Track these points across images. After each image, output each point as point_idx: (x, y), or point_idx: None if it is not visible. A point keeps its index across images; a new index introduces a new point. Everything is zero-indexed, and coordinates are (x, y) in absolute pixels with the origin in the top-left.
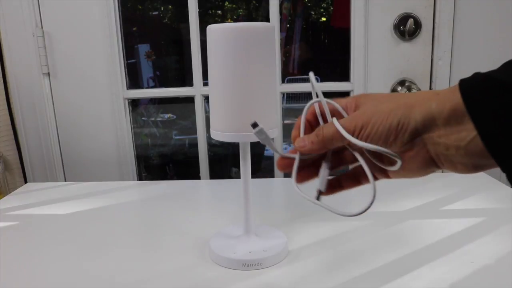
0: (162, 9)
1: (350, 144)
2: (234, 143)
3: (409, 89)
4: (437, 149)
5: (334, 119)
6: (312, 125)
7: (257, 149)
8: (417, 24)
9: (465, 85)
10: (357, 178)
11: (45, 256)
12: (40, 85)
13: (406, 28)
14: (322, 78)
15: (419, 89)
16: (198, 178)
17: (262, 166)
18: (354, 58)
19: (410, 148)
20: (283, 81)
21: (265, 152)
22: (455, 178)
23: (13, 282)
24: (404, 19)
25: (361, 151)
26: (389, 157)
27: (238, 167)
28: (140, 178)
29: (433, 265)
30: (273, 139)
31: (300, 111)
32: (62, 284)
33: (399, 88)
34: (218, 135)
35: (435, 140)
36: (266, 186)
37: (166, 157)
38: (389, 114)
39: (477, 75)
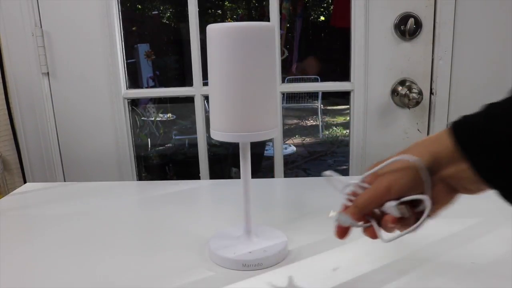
0: (161, 8)
1: (382, 205)
2: (234, 143)
3: (409, 89)
4: (453, 181)
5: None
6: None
7: (257, 149)
8: (418, 24)
9: (456, 131)
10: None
11: (44, 256)
12: (40, 85)
13: (407, 27)
14: (322, 78)
15: (420, 89)
16: (198, 178)
17: (262, 166)
18: (354, 57)
19: (434, 184)
20: (283, 81)
21: (265, 152)
22: None
23: (12, 282)
24: (404, 18)
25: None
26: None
27: (238, 167)
28: (139, 178)
29: (433, 265)
30: (272, 139)
31: (299, 110)
32: (62, 284)
33: (400, 88)
34: (218, 135)
35: (450, 174)
36: (266, 186)
37: (166, 157)
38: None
39: (465, 122)
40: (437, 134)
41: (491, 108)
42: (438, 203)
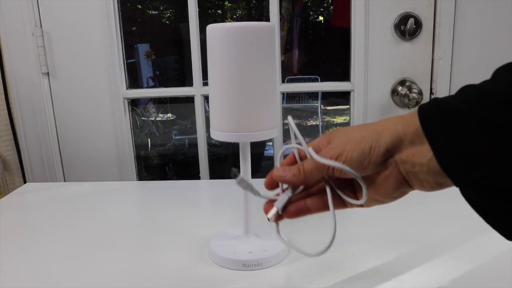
0: (161, 8)
1: (326, 177)
2: (234, 143)
3: (409, 89)
4: (406, 167)
5: (312, 151)
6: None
7: (257, 149)
8: (418, 24)
9: (422, 110)
10: (325, 204)
11: (44, 256)
12: (40, 85)
13: (407, 27)
14: (322, 78)
15: (420, 89)
16: (198, 178)
17: (262, 166)
18: (354, 57)
19: (384, 168)
20: (283, 81)
21: (265, 152)
22: None
23: (12, 282)
24: (404, 18)
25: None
26: (359, 189)
27: (238, 167)
28: (140, 178)
29: (433, 264)
30: (272, 139)
31: (299, 110)
32: (62, 284)
33: (400, 88)
34: (218, 135)
35: (404, 159)
36: None
37: (166, 157)
38: (361, 141)
39: (433, 101)
40: (408, 113)
41: (464, 90)
42: (380, 191)
